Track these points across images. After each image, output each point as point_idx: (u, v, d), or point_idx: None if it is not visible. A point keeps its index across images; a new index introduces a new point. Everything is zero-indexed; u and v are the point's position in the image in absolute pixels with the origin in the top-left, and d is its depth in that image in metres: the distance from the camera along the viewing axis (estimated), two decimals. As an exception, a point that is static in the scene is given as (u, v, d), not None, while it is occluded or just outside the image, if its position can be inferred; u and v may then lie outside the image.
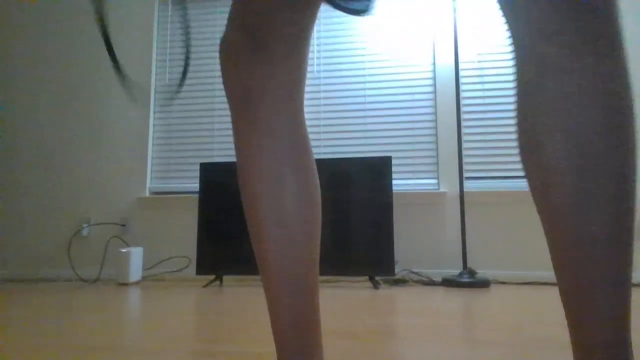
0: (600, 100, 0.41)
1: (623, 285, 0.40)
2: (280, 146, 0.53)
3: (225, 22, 3.03)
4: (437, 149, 2.71)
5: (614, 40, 0.42)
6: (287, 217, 0.53)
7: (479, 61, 2.75)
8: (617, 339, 0.40)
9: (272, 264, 0.53)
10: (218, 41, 3.02)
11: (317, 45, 2.91)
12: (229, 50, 0.53)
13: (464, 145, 2.69)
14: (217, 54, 3.02)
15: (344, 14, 0.67)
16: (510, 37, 0.47)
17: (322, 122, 2.84)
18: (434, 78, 2.76)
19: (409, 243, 2.63)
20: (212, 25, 3.05)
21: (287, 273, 0.53)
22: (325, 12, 2.92)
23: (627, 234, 0.40)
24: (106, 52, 3.07)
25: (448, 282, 2.27)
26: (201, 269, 2.41)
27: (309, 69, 2.90)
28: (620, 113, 0.41)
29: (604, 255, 0.40)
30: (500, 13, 0.47)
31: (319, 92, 2.87)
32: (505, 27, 0.47)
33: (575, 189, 0.41)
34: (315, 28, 2.92)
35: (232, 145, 2.92)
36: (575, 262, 0.41)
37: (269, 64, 0.52)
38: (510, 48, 0.46)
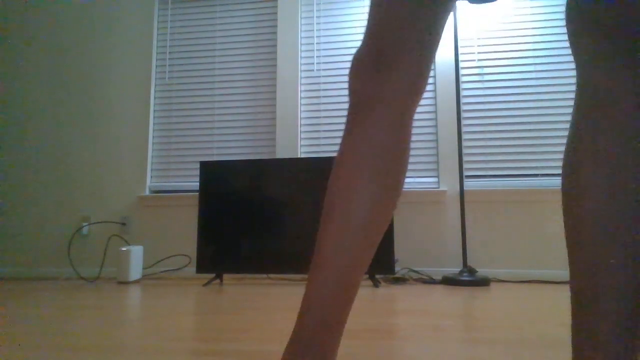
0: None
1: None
2: (376, 152, 0.56)
3: (224, 22, 3.04)
4: (437, 148, 2.71)
5: None
6: (356, 215, 0.55)
7: (478, 60, 2.75)
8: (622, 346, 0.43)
9: (327, 249, 0.55)
10: (218, 41, 3.02)
11: (317, 44, 2.91)
12: (355, 58, 0.58)
13: (464, 143, 2.69)
14: (216, 54, 3.02)
15: (477, 3, 0.70)
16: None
17: (323, 121, 2.84)
18: (434, 77, 2.76)
19: (409, 241, 2.63)
20: (212, 24, 3.04)
21: (337, 269, 0.54)
22: (324, 11, 2.92)
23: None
24: (105, 51, 3.08)
25: (448, 281, 2.27)
26: (201, 267, 2.41)
27: (308, 68, 2.90)
28: None
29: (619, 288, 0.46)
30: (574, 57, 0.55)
31: (318, 91, 2.87)
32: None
33: (602, 248, 0.47)
34: (314, 27, 2.92)
35: (232, 144, 2.93)
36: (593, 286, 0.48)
37: (388, 77, 0.55)
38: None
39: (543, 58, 2.70)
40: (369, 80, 0.55)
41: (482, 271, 2.54)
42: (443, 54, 2.75)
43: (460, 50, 2.77)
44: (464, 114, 2.72)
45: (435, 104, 2.75)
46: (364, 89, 0.56)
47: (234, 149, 2.93)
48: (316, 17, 2.93)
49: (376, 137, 0.56)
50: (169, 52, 3.06)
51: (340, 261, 0.54)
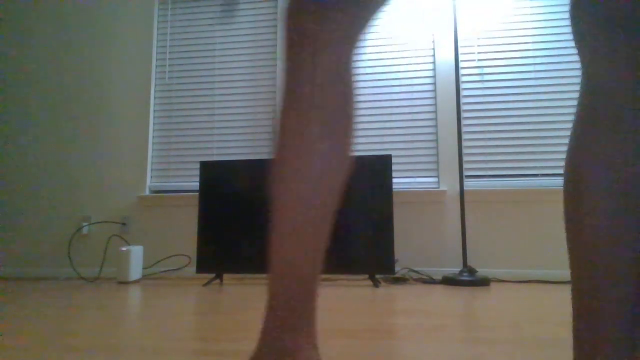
0: None
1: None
2: (319, 103, 0.53)
3: (224, 22, 3.03)
4: (437, 148, 2.71)
5: None
6: (308, 158, 0.53)
7: (478, 60, 2.75)
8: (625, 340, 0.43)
9: (284, 209, 0.54)
10: (218, 41, 3.02)
11: (317, 43, 2.90)
12: None
13: (464, 143, 2.69)
14: (216, 54, 3.02)
15: None
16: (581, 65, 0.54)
17: (322, 121, 2.84)
18: (434, 76, 2.76)
19: (409, 241, 2.63)
20: (212, 24, 3.04)
21: (297, 224, 0.53)
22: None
23: None
24: (105, 51, 3.08)
25: (448, 281, 2.27)
26: (201, 267, 2.41)
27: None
28: None
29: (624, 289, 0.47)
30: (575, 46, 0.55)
31: (319, 90, 2.87)
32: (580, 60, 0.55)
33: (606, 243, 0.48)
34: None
35: (232, 144, 2.93)
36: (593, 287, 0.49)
37: (322, 14, 0.53)
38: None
39: (543, 58, 2.70)
40: (308, 18, 0.53)
41: (482, 271, 2.54)
42: (443, 54, 2.75)
43: (460, 50, 2.77)
44: (464, 114, 2.72)
45: (435, 104, 2.75)
46: (302, 25, 0.53)
47: (234, 149, 2.93)
48: (316, 17, 2.92)
49: (327, 75, 0.53)
50: (169, 52, 3.06)
51: (301, 217, 0.52)
